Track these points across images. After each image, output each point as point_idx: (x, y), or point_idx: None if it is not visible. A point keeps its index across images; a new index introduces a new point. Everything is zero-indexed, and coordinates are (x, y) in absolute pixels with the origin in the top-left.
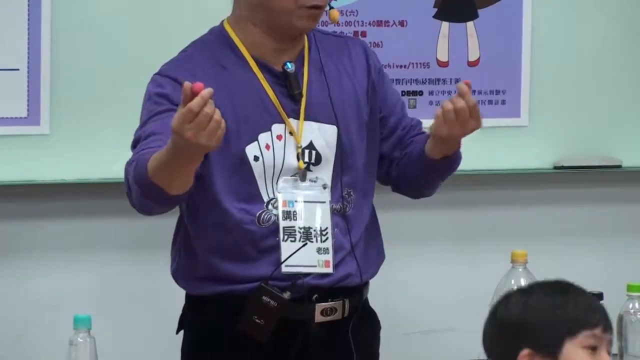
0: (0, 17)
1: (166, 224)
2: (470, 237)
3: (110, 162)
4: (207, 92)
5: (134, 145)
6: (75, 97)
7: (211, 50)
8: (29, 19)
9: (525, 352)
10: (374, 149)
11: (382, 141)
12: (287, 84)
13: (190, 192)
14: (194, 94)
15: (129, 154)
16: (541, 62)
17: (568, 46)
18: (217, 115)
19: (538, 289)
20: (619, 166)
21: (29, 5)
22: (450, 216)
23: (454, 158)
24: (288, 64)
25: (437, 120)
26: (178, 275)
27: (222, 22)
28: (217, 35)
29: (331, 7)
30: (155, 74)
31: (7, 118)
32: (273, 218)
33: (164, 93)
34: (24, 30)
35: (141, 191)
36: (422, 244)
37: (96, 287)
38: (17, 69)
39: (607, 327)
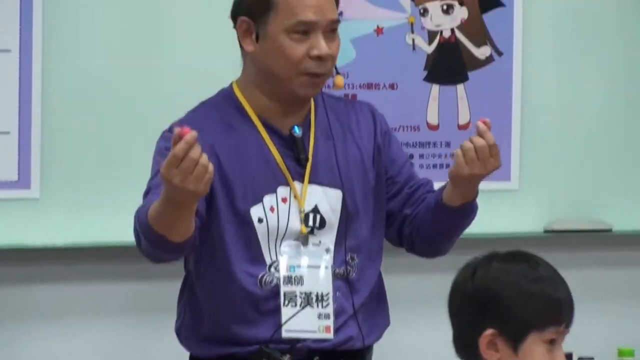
0: None
1: (158, 289)
2: None
3: (101, 227)
4: (190, 136)
5: (144, 198)
6: (66, 161)
7: (219, 111)
8: (19, 81)
9: (489, 331)
10: (380, 213)
11: (390, 199)
12: (294, 147)
13: (193, 241)
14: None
15: (119, 219)
16: (531, 126)
17: (558, 110)
18: (204, 159)
19: (517, 265)
20: (610, 230)
21: (20, 68)
22: (440, 280)
23: (473, 205)
24: (296, 128)
25: (458, 161)
26: (181, 333)
27: (231, 84)
28: (226, 97)
29: (337, 72)
30: (166, 130)
31: None
32: (275, 281)
33: (170, 148)
34: (14, 93)
35: (146, 239)
36: (413, 308)
37: (88, 352)
38: (8, 132)
39: (570, 323)
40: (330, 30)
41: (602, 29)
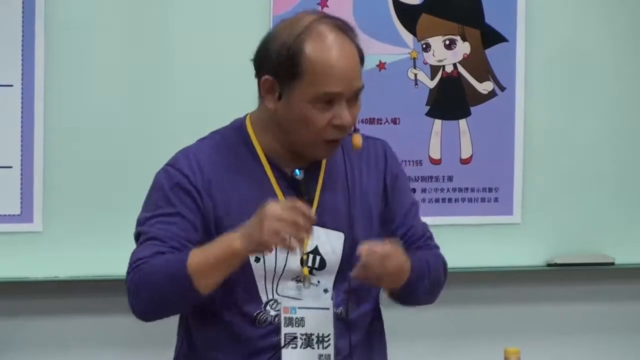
0: None
1: (160, 322)
2: (464, 335)
3: (104, 260)
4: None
5: (137, 238)
6: (69, 194)
7: (228, 145)
8: (22, 116)
9: None
10: None
11: None
12: (297, 189)
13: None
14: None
15: (121, 252)
16: (534, 160)
17: (561, 144)
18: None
19: None
20: (612, 264)
21: (22, 103)
22: (442, 313)
23: (404, 286)
24: (297, 171)
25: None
26: None
27: (245, 117)
28: (237, 130)
29: (355, 130)
30: (169, 165)
31: (0, 215)
32: (270, 319)
33: (175, 192)
34: (17, 127)
35: (170, 290)
36: (415, 341)
37: None
38: (11, 167)
39: None
40: (354, 97)
41: (603, 64)
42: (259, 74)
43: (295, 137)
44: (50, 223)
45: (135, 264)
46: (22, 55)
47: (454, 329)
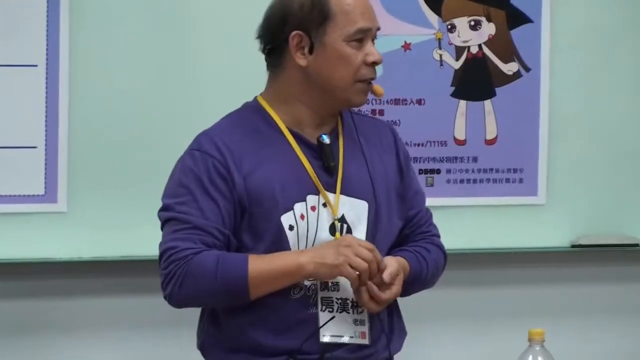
0: (18, 96)
1: None
2: (488, 316)
3: (128, 240)
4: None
5: (165, 223)
6: (93, 175)
7: (247, 123)
8: (46, 96)
9: None
10: (397, 228)
11: None
12: (322, 156)
13: None
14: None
15: (146, 232)
16: (559, 141)
17: (585, 125)
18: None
19: None
20: (637, 245)
21: (46, 83)
22: (467, 294)
23: (406, 284)
24: (323, 136)
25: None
26: (205, 348)
27: (255, 99)
28: (252, 109)
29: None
30: (194, 149)
31: (24, 196)
32: (304, 289)
33: (207, 176)
34: (42, 107)
35: (223, 289)
36: (439, 322)
37: None
38: (35, 147)
39: None
40: (374, 37)
41: (627, 44)
42: (273, 45)
43: (335, 84)
44: (74, 203)
45: (179, 253)
46: (47, 34)
47: (478, 310)
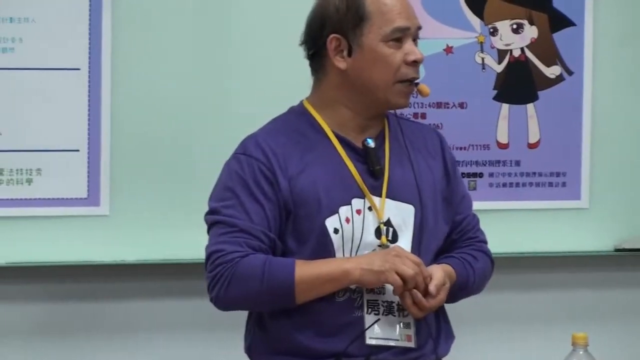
0: (61, 100)
1: None
2: (531, 320)
3: (170, 243)
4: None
5: (212, 226)
6: (135, 178)
7: (292, 127)
8: (89, 99)
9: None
10: (444, 232)
11: None
12: (367, 160)
13: None
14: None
15: (188, 235)
16: (602, 144)
17: (629, 129)
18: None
19: None
20: None
21: (89, 86)
22: (510, 298)
23: (451, 292)
24: (369, 139)
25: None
26: (253, 351)
27: (301, 103)
28: (298, 113)
29: (417, 83)
30: (240, 153)
31: (67, 199)
32: (348, 293)
33: (253, 180)
34: (84, 111)
35: (267, 292)
36: (482, 326)
37: None
38: (78, 150)
39: None
40: (416, 37)
41: None
42: (314, 49)
43: (376, 85)
44: (116, 206)
45: (226, 256)
46: (90, 38)
47: (521, 314)
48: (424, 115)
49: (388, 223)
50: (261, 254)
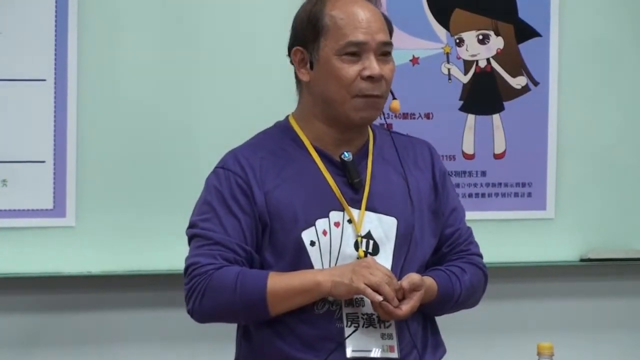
0: (27, 111)
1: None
2: (497, 329)
3: (136, 255)
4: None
5: (191, 239)
6: (101, 189)
7: (274, 142)
8: (55, 110)
9: None
10: (431, 245)
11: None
12: (346, 173)
13: None
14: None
15: (154, 246)
16: (567, 155)
17: (594, 139)
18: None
19: None
20: None
21: (55, 97)
22: (476, 308)
23: (434, 304)
24: (345, 153)
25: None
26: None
27: (287, 117)
28: (282, 129)
29: (394, 97)
30: (219, 167)
31: (33, 210)
32: (327, 305)
33: (229, 193)
34: (50, 122)
35: (242, 305)
36: (448, 336)
37: None
38: (44, 161)
39: None
40: (382, 53)
41: (636, 59)
42: (290, 61)
43: (333, 99)
44: (82, 218)
45: (200, 268)
46: (55, 49)
47: (487, 323)
48: (390, 126)
49: (368, 235)
50: (236, 266)
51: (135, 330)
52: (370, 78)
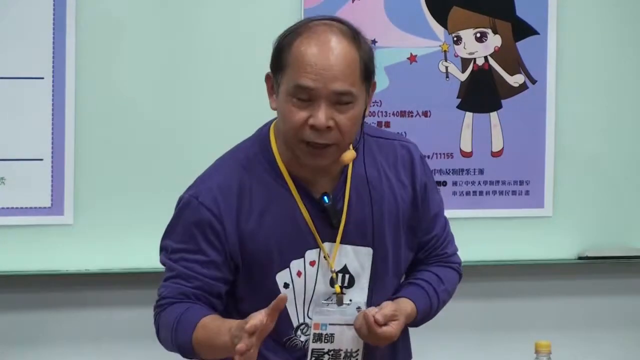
0: (25, 109)
1: None
2: (495, 328)
3: (134, 253)
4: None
5: (163, 265)
6: (99, 187)
7: (252, 169)
8: (52, 108)
9: None
10: (408, 260)
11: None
12: (325, 214)
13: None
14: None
15: (152, 244)
16: (565, 153)
17: (592, 137)
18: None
19: None
20: None
21: (53, 95)
22: (473, 306)
23: (413, 323)
24: (325, 198)
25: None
26: None
27: (269, 127)
28: (261, 147)
29: (353, 147)
30: (193, 196)
31: (31, 208)
32: (299, 344)
33: (199, 229)
34: (48, 120)
35: (178, 349)
36: (445, 334)
37: None
38: (41, 159)
39: None
40: (338, 101)
41: (634, 56)
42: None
43: (285, 137)
44: (80, 216)
45: (159, 302)
46: (53, 47)
47: (485, 322)
48: (387, 124)
49: (344, 270)
50: (182, 306)
51: (133, 328)
52: (312, 127)
